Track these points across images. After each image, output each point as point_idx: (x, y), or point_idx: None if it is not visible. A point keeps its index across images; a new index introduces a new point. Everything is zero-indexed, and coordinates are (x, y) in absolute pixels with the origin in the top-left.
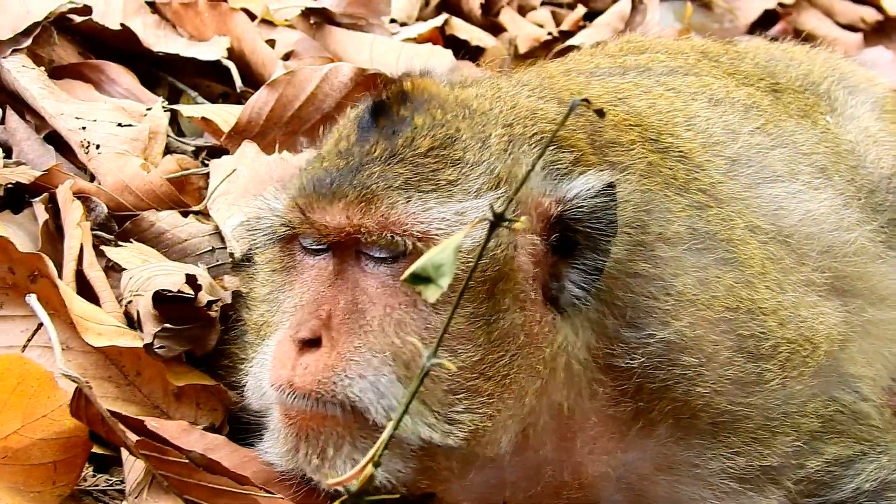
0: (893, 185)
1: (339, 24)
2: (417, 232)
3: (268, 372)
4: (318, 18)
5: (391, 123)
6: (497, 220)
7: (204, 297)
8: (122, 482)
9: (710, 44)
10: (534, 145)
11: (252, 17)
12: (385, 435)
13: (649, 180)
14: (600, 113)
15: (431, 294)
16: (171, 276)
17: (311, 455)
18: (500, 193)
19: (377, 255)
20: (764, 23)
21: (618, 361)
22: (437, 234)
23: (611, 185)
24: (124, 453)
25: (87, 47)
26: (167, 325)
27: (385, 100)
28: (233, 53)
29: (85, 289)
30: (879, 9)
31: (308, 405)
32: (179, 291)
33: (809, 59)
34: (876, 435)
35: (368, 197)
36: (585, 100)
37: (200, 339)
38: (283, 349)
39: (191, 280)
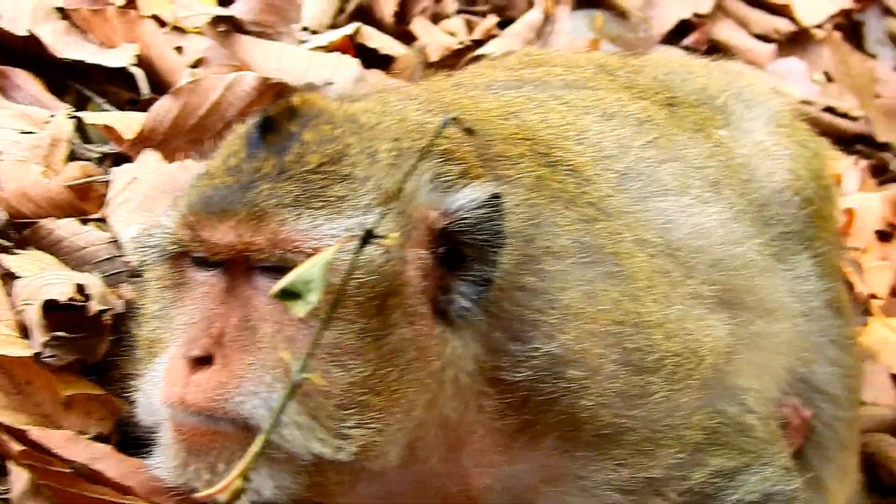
0: (785, 198)
1: (248, 32)
2: (308, 248)
3: (159, 389)
4: (227, 26)
5: (280, 139)
6: (367, 237)
7: (94, 307)
8: (9, 491)
9: (608, 57)
10: (410, 159)
11: (162, 24)
12: (254, 448)
13: (537, 193)
14: (469, 131)
15: (300, 309)
16: (61, 286)
17: (202, 470)
18: (389, 208)
19: (268, 272)
20: (679, 33)
21: (504, 374)
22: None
23: (496, 196)
24: (10, 463)
25: None
26: (57, 334)
27: (273, 116)
28: (141, 60)
29: None
30: (793, 20)
31: (200, 422)
32: (70, 300)
33: (707, 73)
34: (760, 447)
35: (259, 214)
36: (455, 118)
37: (91, 348)
38: (174, 366)
39: (81, 289)
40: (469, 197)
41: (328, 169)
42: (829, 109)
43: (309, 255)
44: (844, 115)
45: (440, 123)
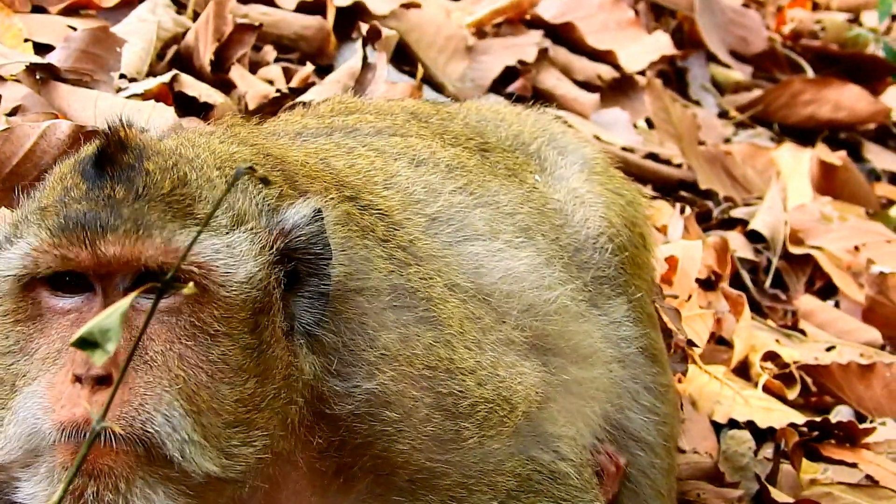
0: (600, 244)
1: (65, 80)
2: (198, 262)
3: (49, 414)
4: (44, 74)
5: (121, 171)
6: (165, 287)
7: None
8: None
9: (420, 105)
10: (247, 184)
11: None
12: (69, 475)
13: (347, 228)
14: (265, 181)
15: (98, 358)
16: None
17: (103, 492)
18: (248, 228)
19: (146, 290)
20: (504, 80)
21: (328, 409)
22: (216, 266)
23: (319, 211)
24: None
25: None
26: None
27: (107, 149)
28: None
29: None
30: (616, 66)
31: (104, 442)
32: None
33: (520, 120)
34: (574, 494)
35: (147, 226)
36: (251, 167)
37: None
38: (64, 391)
39: None
40: (298, 214)
41: (182, 192)
42: (652, 156)
43: (197, 268)
44: (667, 162)
45: (234, 173)
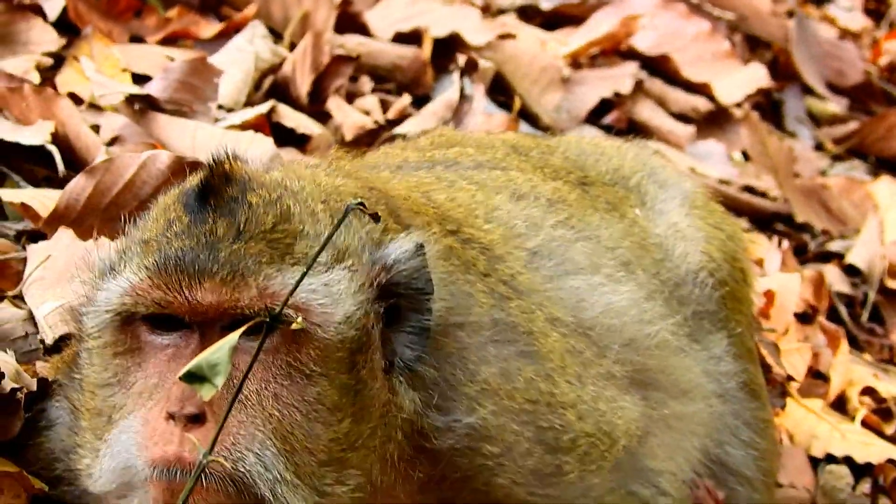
0: (700, 279)
1: (163, 111)
2: (295, 304)
3: (142, 450)
4: (143, 104)
5: (224, 203)
6: (273, 321)
7: (7, 385)
8: None
9: (520, 138)
10: (352, 217)
11: (79, 102)
12: None
13: (448, 262)
14: (375, 217)
15: (206, 392)
16: None
17: None
18: (348, 265)
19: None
20: (599, 112)
21: (429, 444)
22: (312, 307)
23: (421, 246)
24: None
25: None
26: None
27: (211, 181)
28: (57, 138)
29: None
30: (712, 98)
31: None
32: None
33: (620, 154)
34: None
35: (242, 273)
36: (361, 203)
37: (3, 426)
38: (158, 427)
39: None
40: (400, 249)
41: (284, 228)
42: (748, 189)
43: (296, 310)
44: (763, 195)
45: (345, 209)
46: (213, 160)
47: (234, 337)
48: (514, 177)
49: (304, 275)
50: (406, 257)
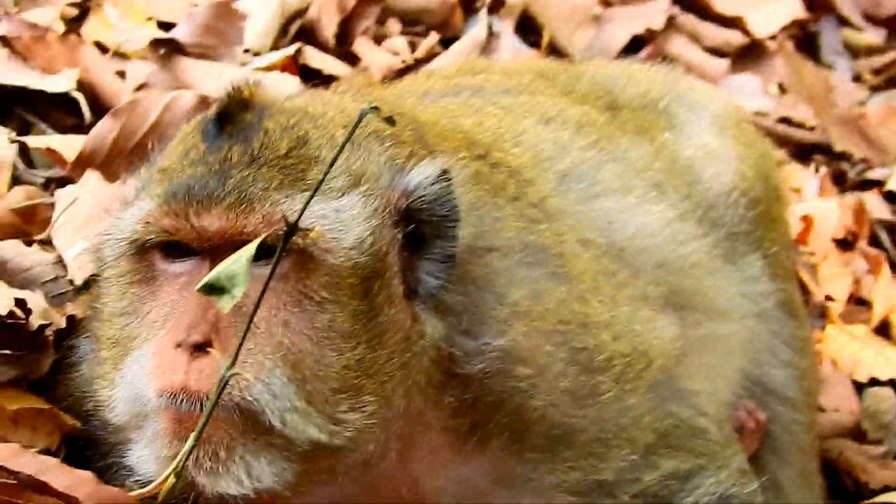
0: (733, 199)
1: (189, 55)
2: (301, 230)
3: (152, 379)
4: (168, 49)
5: (240, 130)
6: (291, 230)
7: (35, 321)
8: None
9: (547, 63)
10: (373, 142)
11: (104, 50)
12: (189, 443)
13: (478, 186)
14: (390, 120)
15: (225, 303)
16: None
17: (203, 458)
18: (363, 190)
19: (258, 256)
20: (632, 49)
21: (459, 369)
22: (322, 231)
23: (446, 171)
24: None
25: None
26: None
27: (228, 108)
28: (83, 86)
29: None
30: (746, 32)
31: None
32: (10, 315)
33: (648, 78)
34: (714, 450)
35: (249, 199)
36: (374, 107)
37: (33, 364)
38: (166, 356)
39: (21, 304)
40: (423, 174)
41: (298, 153)
42: (785, 120)
43: (303, 237)
44: (800, 126)
45: (360, 112)
46: (233, 87)
47: (251, 248)
48: (541, 101)
49: (310, 198)
50: (429, 182)
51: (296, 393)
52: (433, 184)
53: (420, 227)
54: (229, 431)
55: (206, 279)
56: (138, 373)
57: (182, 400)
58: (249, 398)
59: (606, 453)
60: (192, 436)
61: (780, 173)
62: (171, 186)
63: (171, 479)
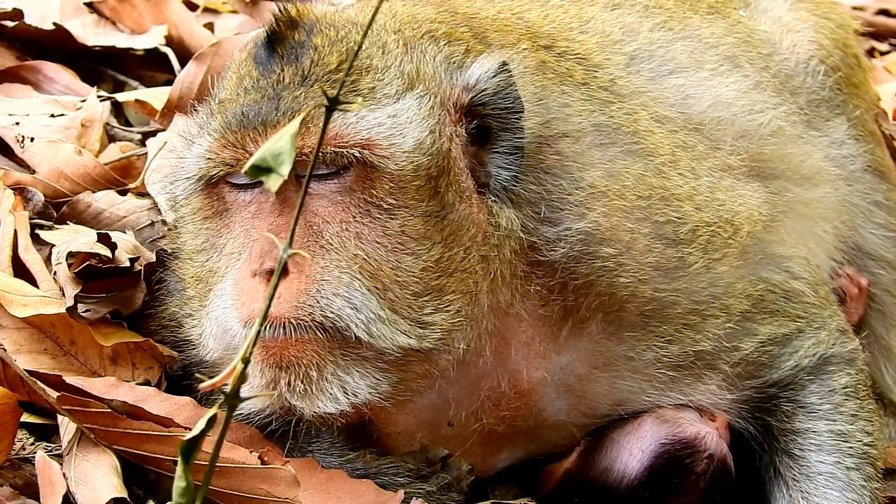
0: (811, 67)
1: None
2: (360, 141)
3: (234, 311)
4: None
5: (291, 50)
6: (333, 104)
7: (123, 256)
8: (60, 447)
9: None
10: (427, 43)
11: (193, 7)
12: (253, 332)
13: (542, 76)
14: None
15: (273, 182)
16: (84, 238)
17: (295, 382)
18: (418, 92)
19: (322, 173)
20: None
21: (542, 256)
22: (378, 140)
23: (505, 64)
24: (59, 418)
25: (25, 51)
26: (89, 289)
27: (277, 29)
28: (171, 41)
29: (23, 274)
30: None
31: (288, 333)
32: (96, 253)
33: None
34: (812, 312)
35: (303, 120)
36: None
37: (126, 300)
38: (245, 286)
39: (104, 239)
40: (482, 69)
41: (348, 66)
42: (884, 12)
43: (362, 148)
44: None
45: None
46: (280, 8)
47: (294, 124)
48: None
49: (349, 66)
50: (489, 76)
51: (378, 302)
52: (493, 77)
53: (485, 122)
54: (317, 351)
55: (252, 160)
56: (222, 307)
57: (266, 327)
58: (332, 314)
59: (702, 324)
60: (258, 320)
61: (859, 41)
62: (227, 117)
63: (240, 366)
